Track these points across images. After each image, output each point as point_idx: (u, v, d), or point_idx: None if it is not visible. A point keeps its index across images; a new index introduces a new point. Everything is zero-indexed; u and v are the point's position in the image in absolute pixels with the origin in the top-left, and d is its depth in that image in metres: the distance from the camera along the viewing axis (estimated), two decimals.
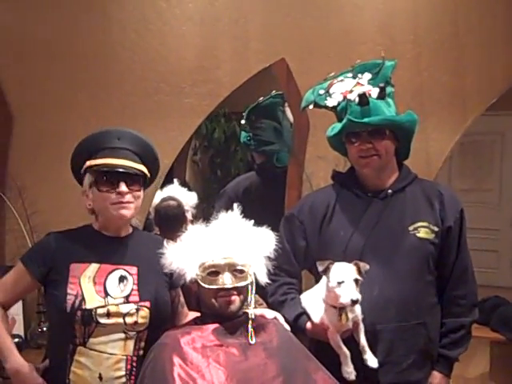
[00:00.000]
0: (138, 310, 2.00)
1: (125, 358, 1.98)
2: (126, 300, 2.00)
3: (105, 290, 1.99)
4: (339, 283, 2.01)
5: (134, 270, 2.05)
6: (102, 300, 1.97)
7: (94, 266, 2.01)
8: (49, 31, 3.13)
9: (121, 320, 1.97)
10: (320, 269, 2.05)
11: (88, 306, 1.95)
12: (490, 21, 3.41)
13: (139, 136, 2.11)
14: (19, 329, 2.92)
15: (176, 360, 1.83)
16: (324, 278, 2.13)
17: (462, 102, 3.41)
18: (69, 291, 1.96)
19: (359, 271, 2.03)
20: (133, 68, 3.21)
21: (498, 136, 7.76)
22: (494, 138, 7.77)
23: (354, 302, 1.99)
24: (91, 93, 3.17)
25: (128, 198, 2.01)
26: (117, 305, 1.98)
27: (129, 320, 1.98)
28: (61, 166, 2.97)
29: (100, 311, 1.95)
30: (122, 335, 1.98)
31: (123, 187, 1.99)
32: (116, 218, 2.03)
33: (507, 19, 3.42)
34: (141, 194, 2.06)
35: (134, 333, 2.00)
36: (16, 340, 2.83)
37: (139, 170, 2.05)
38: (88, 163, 2.04)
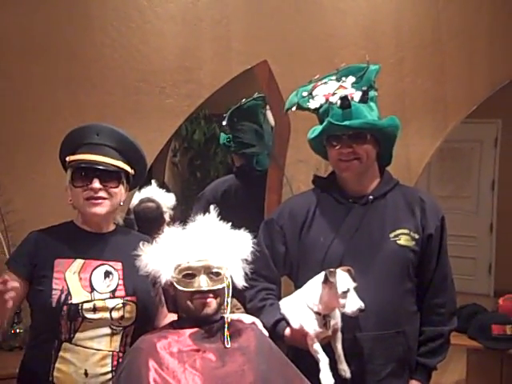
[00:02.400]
0: (124, 304, 1.99)
1: (111, 353, 1.96)
2: (113, 295, 1.99)
3: (91, 284, 1.97)
4: (344, 293, 1.98)
5: (118, 265, 2.04)
6: (88, 294, 1.96)
7: (78, 262, 2.00)
8: (27, 30, 3.08)
9: (107, 315, 1.96)
10: (331, 279, 1.99)
11: (74, 300, 1.93)
12: (473, 28, 3.44)
13: (119, 132, 2.09)
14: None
15: (151, 364, 1.80)
16: (310, 283, 2.10)
17: (444, 108, 3.44)
18: (54, 286, 1.94)
19: (353, 278, 2.01)
20: (113, 66, 3.17)
21: (476, 143, 7.85)
22: (472, 145, 7.85)
23: (361, 311, 1.97)
24: (71, 91, 3.13)
25: (101, 194, 1.99)
26: (103, 299, 1.97)
27: (115, 315, 1.97)
28: (38, 165, 2.96)
29: (86, 306, 1.93)
30: (109, 330, 1.97)
31: (96, 184, 1.98)
32: (89, 214, 2.02)
33: (489, 27, 3.45)
34: (118, 190, 2.04)
35: (121, 328, 1.99)
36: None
37: (116, 167, 2.02)
38: (68, 159, 2.03)
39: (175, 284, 1.96)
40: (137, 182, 2.21)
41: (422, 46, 3.42)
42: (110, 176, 2.01)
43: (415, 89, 3.41)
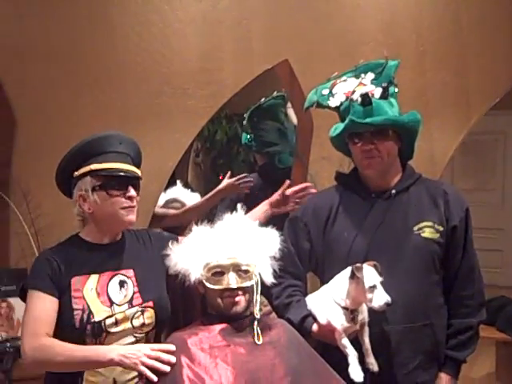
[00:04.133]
0: (142, 311, 2.00)
1: None
2: (131, 304, 2.00)
3: (109, 298, 1.98)
4: (371, 287, 1.99)
5: (130, 272, 2.05)
6: (108, 310, 1.97)
7: (93, 277, 2.00)
8: (51, 36, 3.13)
9: (129, 325, 1.98)
10: (358, 275, 2.01)
11: (97, 318, 1.94)
12: (493, 19, 3.42)
13: (135, 142, 2.13)
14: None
15: (184, 361, 1.83)
16: (336, 279, 2.12)
17: (466, 101, 3.42)
18: (74, 306, 1.94)
19: (379, 273, 2.02)
20: (136, 71, 3.21)
21: (500, 135, 7.77)
22: (496, 137, 7.77)
23: (388, 305, 1.98)
24: (94, 96, 3.17)
25: (134, 202, 2.02)
26: (123, 311, 1.98)
27: (136, 323, 1.99)
28: None
29: (108, 321, 1.95)
30: (132, 339, 1.99)
31: (133, 191, 2.00)
32: (125, 223, 2.03)
33: (509, 17, 3.42)
34: (139, 198, 2.07)
35: (143, 334, 2.01)
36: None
37: (140, 176, 2.07)
38: (93, 167, 2.00)
39: (205, 282, 1.99)
40: None
41: (442, 39, 3.41)
42: (136, 184, 2.05)
43: (437, 83, 3.40)
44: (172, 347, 1.86)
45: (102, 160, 2.01)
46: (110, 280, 2.01)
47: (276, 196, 2.46)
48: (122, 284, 2.02)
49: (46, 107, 3.14)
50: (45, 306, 1.94)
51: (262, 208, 2.46)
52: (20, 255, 3.11)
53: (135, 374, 1.95)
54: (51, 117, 3.15)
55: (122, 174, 2.00)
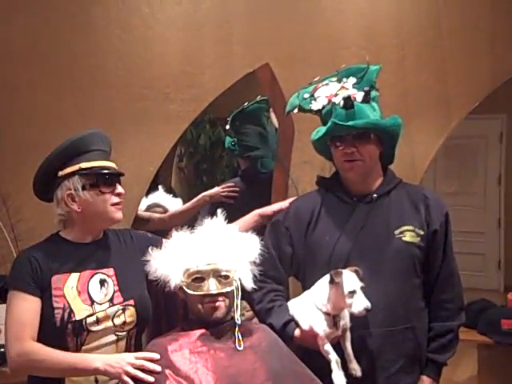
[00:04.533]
0: (124, 309, 2.00)
1: None
2: (111, 303, 2.00)
3: (90, 297, 1.98)
4: (351, 293, 2.00)
5: (111, 271, 2.04)
6: (89, 308, 1.96)
7: (74, 276, 1.99)
8: (32, 39, 3.10)
9: (110, 323, 1.97)
10: (337, 280, 2.01)
11: (77, 317, 1.93)
12: (473, 23, 3.43)
13: (109, 137, 2.14)
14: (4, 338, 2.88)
15: (166, 370, 1.83)
16: (318, 284, 2.12)
17: (446, 105, 3.43)
18: (55, 305, 1.94)
19: (360, 278, 2.02)
20: (117, 74, 3.19)
21: (481, 139, 7.84)
22: (478, 141, 7.84)
23: (367, 311, 1.99)
24: (75, 100, 3.15)
25: (121, 199, 2.04)
26: (104, 310, 1.97)
27: (117, 321, 1.98)
28: None
29: (90, 320, 1.94)
30: (114, 337, 1.98)
31: (120, 188, 2.03)
32: (114, 220, 2.05)
33: (490, 22, 3.44)
34: None
35: (125, 333, 2.01)
36: (1, 350, 2.80)
37: (122, 172, 2.08)
38: (83, 165, 2.00)
39: (185, 288, 1.98)
40: None
41: (422, 44, 3.42)
42: (120, 181, 2.06)
43: (418, 87, 3.41)
44: (156, 356, 1.86)
45: (89, 158, 2.02)
46: (90, 279, 2.00)
47: (269, 212, 2.44)
48: (102, 283, 2.01)
49: (26, 111, 3.12)
50: (27, 307, 1.93)
51: (253, 218, 2.44)
52: (0, 261, 3.08)
53: None
54: (31, 120, 3.12)
55: (110, 171, 2.02)
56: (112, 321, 1.97)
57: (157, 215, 3.46)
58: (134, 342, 2.03)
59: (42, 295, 1.95)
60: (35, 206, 3.02)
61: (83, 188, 1.99)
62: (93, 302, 1.97)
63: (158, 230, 2.98)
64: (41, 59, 3.12)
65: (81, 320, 1.93)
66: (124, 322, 2.00)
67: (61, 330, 1.92)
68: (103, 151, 2.06)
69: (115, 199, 2.02)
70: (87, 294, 1.98)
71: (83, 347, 1.94)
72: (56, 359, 1.87)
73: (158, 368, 1.83)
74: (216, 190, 3.46)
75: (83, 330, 1.93)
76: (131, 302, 2.02)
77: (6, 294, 2.01)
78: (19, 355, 1.88)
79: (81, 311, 1.94)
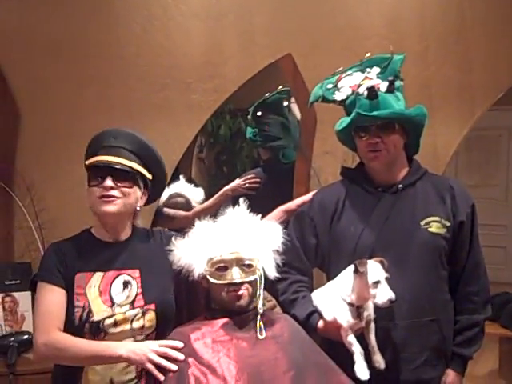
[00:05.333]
0: (144, 313, 2.00)
1: None
2: (132, 306, 1.99)
3: (111, 298, 1.98)
4: (375, 283, 1.98)
5: (136, 273, 2.04)
6: (108, 309, 1.97)
7: (98, 275, 2.00)
8: (55, 29, 3.13)
9: (128, 326, 1.97)
10: (362, 270, 1.99)
11: (96, 317, 1.94)
12: (497, 14, 3.40)
13: (136, 135, 2.10)
14: (28, 325, 2.92)
15: (188, 358, 1.83)
16: (342, 275, 2.11)
17: (470, 96, 3.40)
18: (76, 303, 1.95)
19: (385, 269, 2.01)
20: (139, 64, 3.21)
21: (504, 131, 7.74)
22: (500, 132, 7.74)
23: (391, 302, 1.97)
24: (97, 90, 3.17)
25: (113, 192, 1.99)
26: (123, 313, 1.97)
27: (136, 325, 1.98)
28: (68, 162, 3.01)
29: (107, 322, 1.95)
30: (131, 340, 1.98)
31: (108, 181, 1.98)
32: (101, 213, 2.01)
33: None
34: (132, 190, 2.03)
35: (143, 336, 2.00)
36: (25, 337, 2.84)
37: (130, 167, 2.03)
38: (86, 162, 2.06)
39: (208, 277, 1.99)
40: (157, 189, 2.21)
41: (446, 34, 3.39)
42: (124, 176, 2.01)
43: (441, 77, 3.39)
44: (180, 344, 1.87)
45: (94, 155, 2.04)
46: (114, 279, 2.01)
47: (293, 206, 2.43)
48: (125, 284, 2.02)
49: (49, 100, 3.15)
50: (55, 298, 1.96)
51: (279, 214, 2.42)
52: (24, 249, 3.12)
53: (133, 375, 1.96)
54: (55, 110, 3.15)
55: (97, 165, 2.00)
56: (131, 324, 1.97)
57: (182, 213, 3.47)
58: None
59: (67, 289, 1.97)
60: (59, 195, 3.08)
61: (88, 184, 2.03)
62: (113, 303, 1.98)
63: (183, 227, 3.01)
64: (63, 49, 3.15)
65: (99, 321, 1.94)
66: (143, 326, 1.99)
67: (79, 329, 1.93)
68: (113, 147, 2.04)
69: (101, 192, 1.99)
70: (108, 294, 1.98)
71: None
72: (80, 347, 1.89)
73: (181, 356, 1.83)
74: (237, 182, 3.47)
75: (100, 331, 1.94)
76: (152, 306, 2.01)
77: (33, 283, 2.04)
78: (45, 345, 1.91)
79: (100, 312, 1.95)
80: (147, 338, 2.00)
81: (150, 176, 2.11)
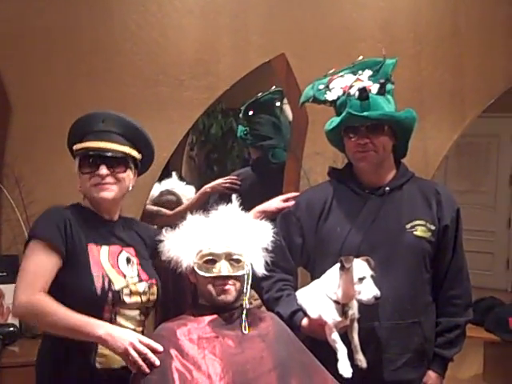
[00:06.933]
0: (149, 287, 2.04)
1: (141, 333, 1.98)
2: (140, 279, 2.03)
3: (121, 270, 2.00)
4: (360, 279, 1.99)
5: (132, 251, 2.08)
6: (123, 280, 1.98)
7: (104, 248, 2.01)
8: (49, 22, 3.12)
9: (138, 299, 2.00)
10: (347, 266, 2.00)
11: (116, 286, 1.94)
12: (491, 20, 3.43)
13: (125, 118, 2.09)
14: (14, 318, 2.91)
15: (173, 352, 1.83)
16: (328, 273, 2.12)
17: (461, 101, 3.43)
18: (94, 273, 1.92)
19: (371, 267, 2.02)
20: (132, 60, 3.21)
21: (494, 138, 7.79)
22: (489, 139, 7.79)
23: (376, 299, 1.98)
24: (90, 84, 3.16)
25: (108, 179, 1.99)
26: (135, 283, 2.00)
27: (144, 298, 2.02)
28: (58, 155, 2.97)
29: (125, 291, 1.97)
30: (138, 312, 2.01)
31: (103, 170, 1.98)
32: (98, 199, 2.02)
33: (507, 19, 3.43)
34: (126, 175, 2.03)
35: (144, 309, 2.04)
36: (11, 329, 2.83)
37: (122, 152, 2.03)
38: (75, 147, 2.04)
39: (196, 269, 2.00)
40: (145, 166, 2.20)
41: (439, 39, 3.41)
42: (117, 162, 2.02)
43: (433, 82, 3.41)
44: (160, 348, 1.81)
45: (82, 140, 2.03)
46: (119, 254, 2.03)
47: (271, 208, 2.40)
48: (128, 260, 2.04)
49: (41, 94, 3.14)
50: (48, 261, 1.89)
51: (255, 215, 2.35)
52: (11, 242, 3.10)
53: None
54: (46, 104, 3.14)
55: (90, 153, 1.99)
56: (140, 296, 2.00)
57: (164, 211, 3.49)
58: (145, 320, 2.06)
59: (76, 260, 1.92)
60: (48, 188, 3.07)
61: (78, 168, 2.03)
62: (125, 275, 1.99)
63: (164, 225, 3.02)
64: (57, 44, 3.14)
65: (118, 291, 1.94)
66: (148, 300, 2.03)
67: (100, 299, 1.90)
68: (101, 132, 2.02)
69: (95, 180, 1.99)
70: (118, 267, 2.00)
71: (117, 317, 1.95)
72: (61, 316, 1.81)
73: (157, 362, 1.78)
74: (218, 181, 3.52)
75: (119, 301, 1.94)
76: (154, 281, 2.06)
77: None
78: (28, 302, 1.82)
79: (118, 281, 1.96)
80: (147, 310, 2.05)
81: (139, 156, 2.11)
